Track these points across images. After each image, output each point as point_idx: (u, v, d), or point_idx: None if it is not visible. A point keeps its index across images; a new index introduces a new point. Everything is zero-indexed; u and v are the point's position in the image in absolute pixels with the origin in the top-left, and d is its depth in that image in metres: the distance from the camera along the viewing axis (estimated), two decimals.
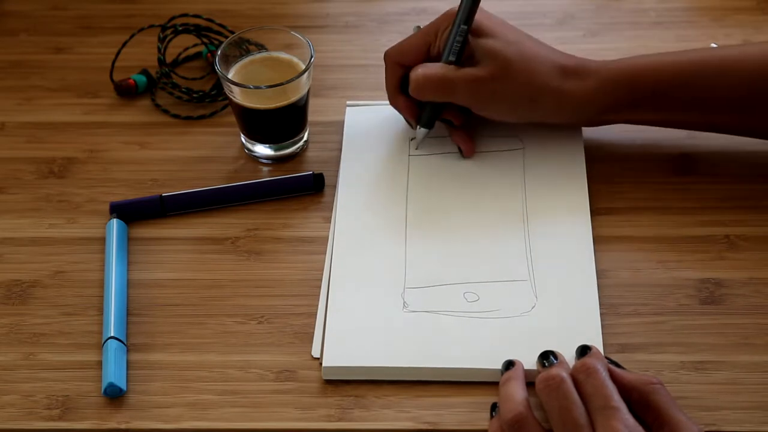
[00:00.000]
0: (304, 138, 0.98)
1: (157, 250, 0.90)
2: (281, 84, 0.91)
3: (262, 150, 0.96)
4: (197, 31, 1.04)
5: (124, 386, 0.81)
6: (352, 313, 0.84)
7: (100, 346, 0.84)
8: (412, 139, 0.96)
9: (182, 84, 1.03)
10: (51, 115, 1.01)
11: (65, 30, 1.09)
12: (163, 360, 0.83)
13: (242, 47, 0.96)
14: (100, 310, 0.86)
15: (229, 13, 1.09)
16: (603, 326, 0.83)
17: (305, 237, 0.91)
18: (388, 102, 0.98)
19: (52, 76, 1.05)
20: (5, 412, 0.81)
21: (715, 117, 0.90)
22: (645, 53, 0.91)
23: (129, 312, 0.86)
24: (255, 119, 0.94)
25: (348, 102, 1.00)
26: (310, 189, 0.94)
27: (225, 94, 0.96)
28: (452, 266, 0.87)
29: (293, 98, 0.93)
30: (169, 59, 1.04)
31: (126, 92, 1.02)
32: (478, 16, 0.90)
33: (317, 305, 0.86)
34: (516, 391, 0.77)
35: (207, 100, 1.02)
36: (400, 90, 0.93)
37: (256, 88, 0.92)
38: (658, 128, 0.94)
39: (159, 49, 1.02)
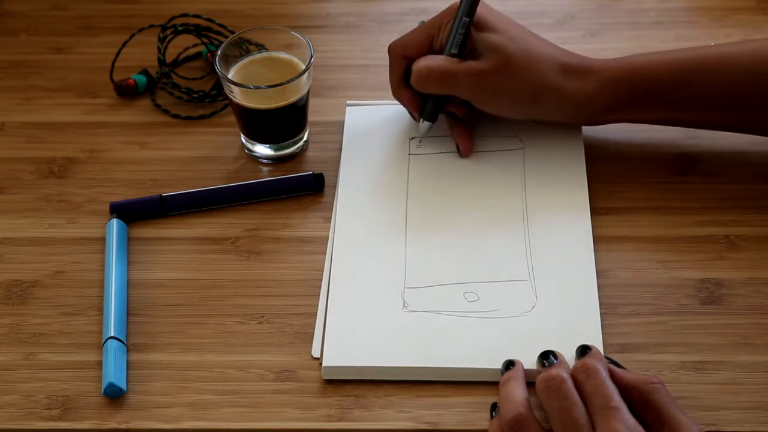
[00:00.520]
0: (304, 138, 0.98)
1: (157, 250, 0.90)
2: (281, 84, 0.91)
3: (262, 150, 0.96)
4: (197, 31, 1.04)
5: (124, 386, 0.81)
6: (352, 313, 0.84)
7: (100, 346, 0.84)
8: (412, 138, 0.96)
9: (182, 84, 1.03)
10: (51, 115, 1.01)
11: (65, 30, 1.09)
12: (163, 360, 0.83)
13: (242, 47, 0.96)
14: (100, 310, 0.86)
15: (229, 13, 1.09)
16: (603, 326, 0.83)
17: (305, 237, 0.91)
18: (388, 102, 0.98)
19: (52, 76, 1.05)
20: (5, 412, 0.81)
21: (714, 115, 0.90)
22: (645, 52, 0.91)
23: (129, 312, 0.86)
24: (255, 119, 0.94)
25: (348, 102, 1.00)
26: (310, 189, 0.94)
27: (225, 94, 0.96)
28: (452, 266, 0.87)
29: (293, 98, 0.93)
30: (169, 59, 1.04)
31: (126, 92, 1.02)
32: (482, 11, 0.90)
33: (317, 305, 0.86)
34: (516, 391, 0.77)
35: (207, 100, 1.02)
36: (404, 83, 0.93)
37: (256, 88, 0.92)
38: (658, 128, 0.94)
39: (159, 49, 1.02)
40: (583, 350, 0.79)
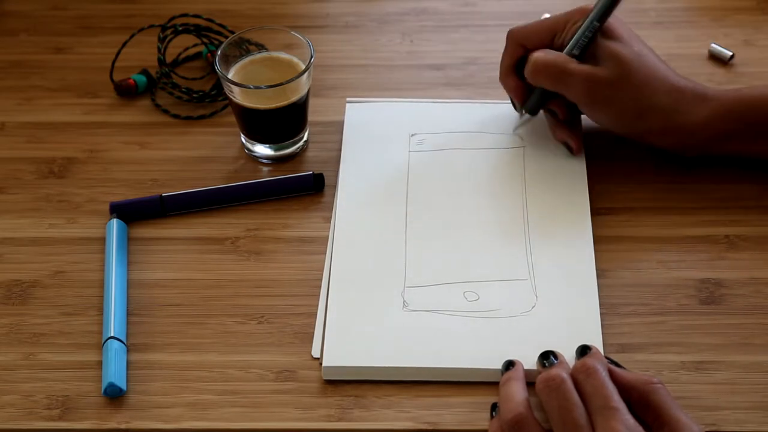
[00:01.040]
0: (304, 138, 0.98)
1: (157, 250, 0.90)
2: (281, 84, 0.91)
3: (262, 150, 0.96)
4: (197, 31, 1.04)
5: (124, 386, 0.81)
6: (352, 313, 0.84)
7: (100, 346, 0.84)
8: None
9: (182, 84, 1.03)
10: (51, 115, 1.01)
11: (65, 30, 1.09)
12: (163, 360, 0.83)
13: (242, 47, 0.96)
14: (100, 310, 0.86)
15: (229, 13, 1.09)
16: (603, 326, 0.83)
17: (305, 237, 0.91)
18: (388, 99, 0.98)
19: (52, 76, 1.05)
20: (5, 412, 0.81)
21: None
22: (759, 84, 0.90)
23: (129, 312, 0.86)
24: (255, 119, 0.94)
25: (348, 99, 1.00)
26: (310, 189, 0.94)
27: (225, 94, 0.96)
28: (452, 266, 0.87)
29: (293, 98, 0.93)
30: (169, 59, 1.04)
31: (126, 92, 1.02)
32: (611, 19, 0.89)
33: (317, 305, 0.86)
34: (516, 392, 0.77)
35: (207, 100, 1.02)
36: (513, 70, 0.93)
37: (256, 88, 0.92)
38: None
39: (159, 49, 1.02)
40: (583, 350, 0.79)
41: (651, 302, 0.85)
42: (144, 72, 1.03)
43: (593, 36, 0.89)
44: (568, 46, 0.90)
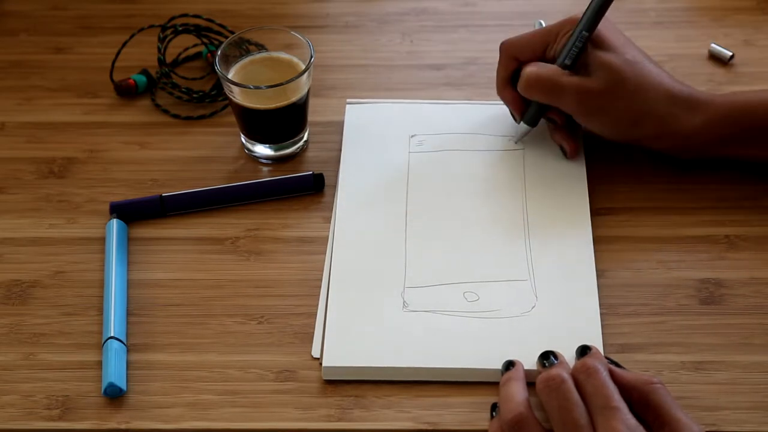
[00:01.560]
0: (304, 138, 0.98)
1: (157, 250, 0.90)
2: (281, 84, 0.91)
3: (262, 150, 0.96)
4: (197, 31, 1.04)
5: (124, 386, 0.81)
6: (352, 313, 0.84)
7: (100, 346, 0.84)
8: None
9: (182, 84, 1.03)
10: (51, 115, 1.01)
11: (65, 30, 1.09)
12: (163, 360, 0.83)
13: (242, 47, 0.96)
14: (100, 310, 0.86)
15: (229, 13, 1.09)
16: (603, 326, 0.83)
17: (305, 237, 0.91)
18: (388, 100, 0.98)
19: (52, 76, 1.05)
20: (5, 412, 0.81)
21: None
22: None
23: (129, 312, 0.86)
24: (255, 119, 0.94)
25: (348, 99, 1.00)
26: (310, 189, 0.94)
27: (225, 94, 0.96)
28: (452, 266, 0.87)
29: (293, 98, 0.93)
30: (169, 59, 1.04)
31: (126, 92, 1.02)
32: (602, 27, 0.89)
33: (317, 305, 0.86)
34: (517, 392, 0.77)
35: (207, 100, 1.02)
36: (509, 83, 0.93)
37: (256, 88, 0.92)
38: None
39: (159, 49, 1.02)
40: (583, 350, 0.79)
41: (651, 302, 0.85)
42: (144, 72, 1.03)
43: (584, 45, 0.89)
44: (559, 57, 0.90)
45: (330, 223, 0.91)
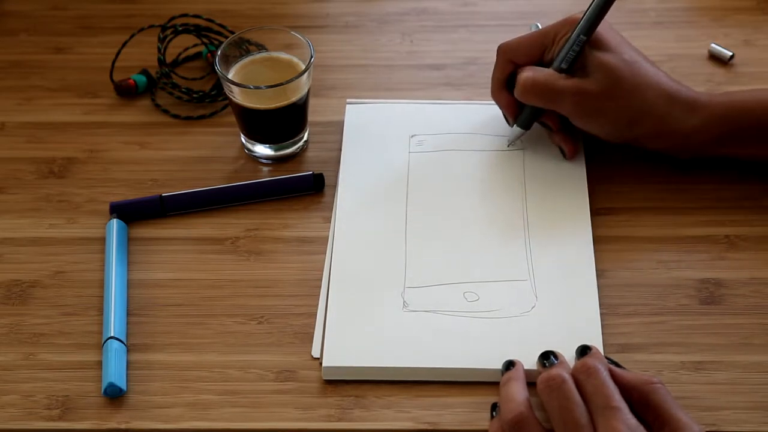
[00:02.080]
0: (304, 138, 0.98)
1: (157, 250, 0.90)
2: (281, 84, 0.91)
3: (262, 150, 0.96)
4: (197, 31, 1.04)
5: (124, 386, 0.81)
6: (352, 313, 0.84)
7: (100, 346, 0.84)
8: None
9: (182, 84, 1.03)
10: (51, 115, 1.01)
11: (65, 30, 1.09)
12: (163, 360, 0.83)
13: (242, 47, 0.96)
14: (100, 310, 0.86)
15: (229, 13, 1.09)
16: (603, 326, 0.83)
17: (305, 237, 0.91)
18: (388, 100, 0.98)
19: (52, 76, 1.05)
20: (5, 412, 0.81)
21: None
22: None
23: (129, 312, 0.86)
24: (255, 119, 0.94)
25: (348, 99, 1.00)
26: (310, 189, 0.94)
27: (225, 94, 0.96)
28: (452, 266, 0.87)
29: (293, 98, 0.93)
30: (169, 59, 1.04)
31: (126, 92, 1.02)
32: (599, 27, 0.89)
33: (317, 305, 0.86)
34: (517, 392, 0.77)
35: (207, 100, 1.02)
36: (505, 86, 0.93)
37: (256, 88, 0.92)
38: None
39: (159, 49, 1.02)
40: (583, 350, 0.79)
41: (651, 302, 0.85)
42: (144, 72, 1.03)
43: (581, 49, 0.89)
44: (555, 61, 0.90)
45: (330, 223, 0.91)
